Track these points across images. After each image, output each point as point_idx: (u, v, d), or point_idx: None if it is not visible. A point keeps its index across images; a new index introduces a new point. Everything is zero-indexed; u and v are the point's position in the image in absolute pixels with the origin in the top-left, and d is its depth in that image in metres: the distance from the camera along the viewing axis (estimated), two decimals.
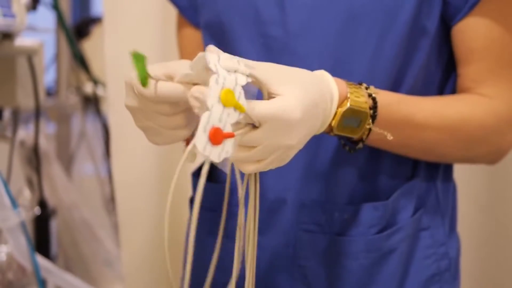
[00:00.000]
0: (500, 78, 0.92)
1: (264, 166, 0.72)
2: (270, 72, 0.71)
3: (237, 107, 0.66)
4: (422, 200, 0.97)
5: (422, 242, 0.97)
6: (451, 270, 0.99)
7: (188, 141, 0.86)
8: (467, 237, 1.40)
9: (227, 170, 0.81)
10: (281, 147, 0.71)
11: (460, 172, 1.30)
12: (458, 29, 0.92)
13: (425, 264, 0.97)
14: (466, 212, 1.39)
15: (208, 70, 0.67)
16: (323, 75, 0.79)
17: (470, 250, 1.40)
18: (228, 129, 0.66)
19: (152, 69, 0.72)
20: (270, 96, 0.71)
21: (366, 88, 0.84)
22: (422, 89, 0.94)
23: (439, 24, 0.92)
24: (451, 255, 0.99)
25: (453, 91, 0.97)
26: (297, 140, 0.72)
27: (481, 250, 1.42)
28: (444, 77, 0.97)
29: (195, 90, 0.67)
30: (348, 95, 0.80)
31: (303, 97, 0.71)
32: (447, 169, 1.02)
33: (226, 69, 0.67)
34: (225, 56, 0.69)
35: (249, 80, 0.68)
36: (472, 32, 0.91)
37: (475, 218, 1.41)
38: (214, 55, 0.68)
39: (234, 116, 0.66)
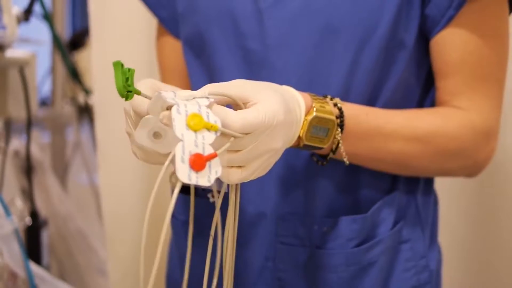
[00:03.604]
0: (476, 91, 0.92)
1: (249, 175, 0.72)
2: (241, 86, 0.72)
3: (209, 127, 0.66)
4: (402, 213, 0.97)
5: (402, 255, 0.97)
6: (432, 283, 0.99)
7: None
8: (456, 249, 1.40)
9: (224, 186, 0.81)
10: (268, 150, 0.71)
11: (450, 184, 1.30)
12: (436, 42, 0.92)
13: (405, 276, 0.97)
14: (456, 224, 1.39)
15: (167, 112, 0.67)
16: (287, 87, 0.80)
17: (459, 263, 1.40)
18: (208, 150, 0.65)
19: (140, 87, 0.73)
20: (248, 106, 0.71)
21: (331, 99, 0.85)
22: (401, 103, 0.94)
23: (418, 38, 0.93)
24: (431, 267, 0.99)
25: (433, 104, 0.97)
26: (281, 143, 0.73)
27: (471, 262, 1.42)
28: (423, 91, 0.97)
29: (163, 116, 0.68)
30: (313, 105, 0.80)
31: (281, 100, 0.72)
32: (428, 182, 1.01)
33: (185, 99, 0.68)
34: (181, 91, 0.69)
35: (212, 100, 0.69)
36: (449, 45, 0.91)
37: (465, 231, 1.41)
38: (169, 92, 0.68)
39: (211, 136, 0.66)
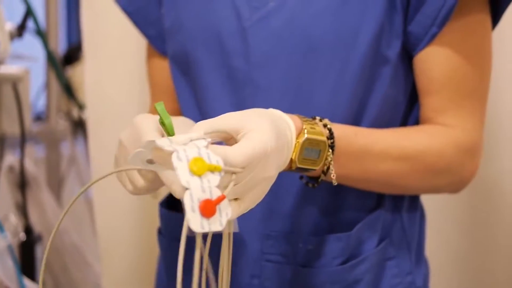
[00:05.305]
0: (460, 108, 0.92)
1: (247, 207, 0.71)
2: (230, 118, 0.72)
3: (212, 169, 0.64)
4: (387, 230, 0.97)
5: (388, 272, 0.96)
6: None
7: None
8: (451, 261, 1.40)
9: (236, 228, 0.79)
10: (264, 179, 0.71)
11: (443, 195, 1.30)
12: (419, 59, 0.92)
13: None
14: (449, 236, 1.40)
15: (160, 149, 0.66)
16: (275, 110, 0.79)
17: (453, 273, 1.40)
18: (216, 193, 0.63)
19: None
20: (239, 138, 0.71)
21: (320, 120, 0.84)
22: (387, 119, 0.95)
23: (402, 54, 0.93)
24: (418, 284, 0.99)
25: (417, 120, 0.98)
26: (275, 170, 0.73)
27: (464, 270, 1.42)
28: (408, 107, 0.98)
29: (155, 157, 0.68)
30: (304, 126, 0.80)
31: (272, 126, 0.72)
32: (413, 199, 1.01)
33: (182, 143, 0.66)
34: (177, 136, 0.68)
35: (209, 140, 0.67)
36: (433, 62, 0.91)
37: (458, 242, 1.41)
38: (164, 139, 0.67)
39: (215, 178, 0.64)
